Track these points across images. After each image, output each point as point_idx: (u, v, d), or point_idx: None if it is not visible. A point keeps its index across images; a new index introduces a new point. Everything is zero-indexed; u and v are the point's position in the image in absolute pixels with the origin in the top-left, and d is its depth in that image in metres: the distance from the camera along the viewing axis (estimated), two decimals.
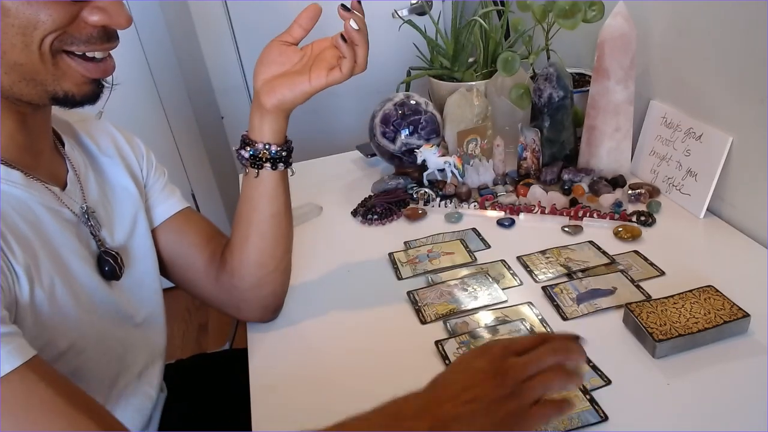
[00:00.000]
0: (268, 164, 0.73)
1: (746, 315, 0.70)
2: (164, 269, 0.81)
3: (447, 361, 0.72)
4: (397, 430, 0.50)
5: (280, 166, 0.74)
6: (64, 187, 0.67)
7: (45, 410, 0.49)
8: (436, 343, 0.75)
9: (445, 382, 0.54)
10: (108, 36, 0.58)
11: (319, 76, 0.68)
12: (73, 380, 0.59)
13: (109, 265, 0.68)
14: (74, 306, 0.62)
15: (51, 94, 0.57)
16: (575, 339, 0.55)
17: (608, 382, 0.65)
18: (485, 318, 0.78)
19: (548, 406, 0.51)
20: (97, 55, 0.58)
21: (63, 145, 0.71)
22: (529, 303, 0.80)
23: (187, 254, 0.81)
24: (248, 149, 0.73)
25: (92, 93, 0.60)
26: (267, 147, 0.72)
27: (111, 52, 0.61)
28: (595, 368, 0.67)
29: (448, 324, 0.78)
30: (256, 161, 0.73)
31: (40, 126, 0.65)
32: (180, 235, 0.81)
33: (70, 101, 0.59)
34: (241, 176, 1.30)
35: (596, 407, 0.62)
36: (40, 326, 0.58)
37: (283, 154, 0.74)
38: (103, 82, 0.61)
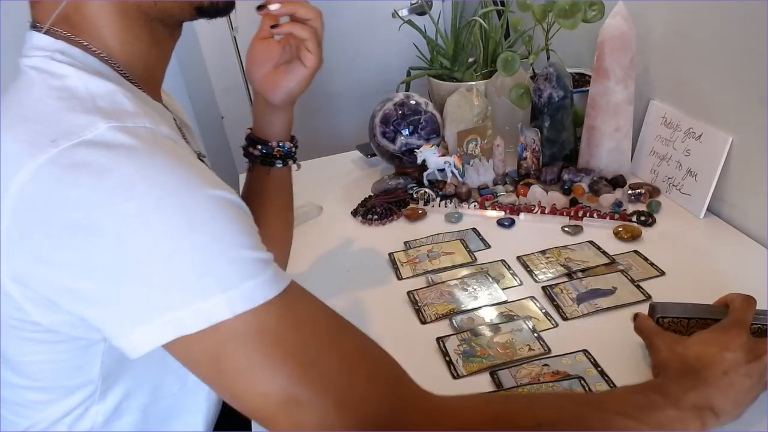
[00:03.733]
0: (279, 161, 0.74)
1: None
2: None
3: (447, 358, 0.72)
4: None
5: (289, 162, 0.76)
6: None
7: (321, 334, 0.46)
8: (438, 339, 0.75)
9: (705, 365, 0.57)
10: None
11: (309, 57, 0.68)
12: None
13: None
14: None
15: (197, 3, 0.56)
16: None
17: (614, 388, 0.65)
18: (489, 314, 0.78)
19: None
20: None
21: None
22: (532, 297, 0.81)
23: None
24: (259, 147, 0.74)
25: (231, 2, 0.59)
26: (280, 144, 0.73)
27: None
28: (602, 373, 0.67)
29: (453, 320, 0.78)
30: (268, 159, 0.74)
31: (166, 58, 0.62)
32: None
33: (213, 10, 0.58)
34: (242, 176, 1.30)
35: None
36: None
37: (293, 150, 0.75)
38: None
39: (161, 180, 0.43)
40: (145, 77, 0.58)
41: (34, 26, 0.52)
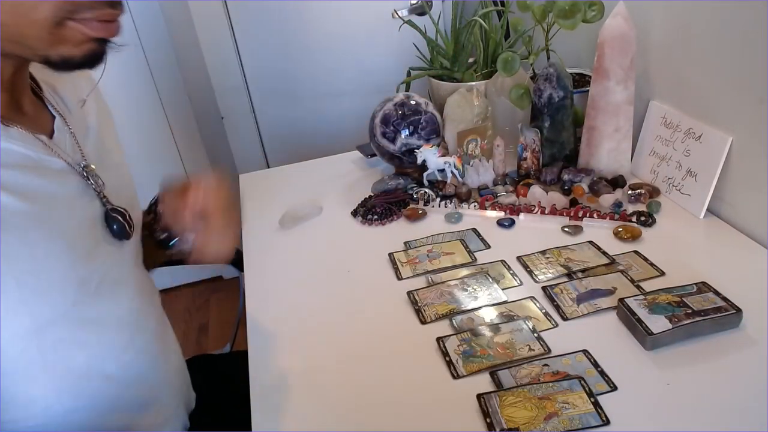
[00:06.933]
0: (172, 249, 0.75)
1: (738, 310, 0.70)
2: None
3: (447, 358, 0.72)
4: None
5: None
6: (51, 135, 0.60)
7: None
8: (438, 339, 0.75)
9: None
10: (112, 3, 0.52)
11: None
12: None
13: (118, 223, 0.62)
14: (70, 273, 0.58)
15: (42, 57, 0.52)
16: None
17: (614, 388, 0.65)
18: (489, 315, 0.78)
19: None
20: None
21: (41, 89, 0.64)
22: (532, 297, 0.81)
23: None
24: (166, 236, 0.73)
25: (94, 52, 0.54)
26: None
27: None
28: (602, 373, 0.67)
29: (453, 321, 0.78)
30: (166, 245, 0.74)
31: (22, 79, 0.59)
32: None
33: (67, 64, 0.53)
34: (242, 176, 1.31)
35: (599, 411, 0.62)
36: None
37: None
38: (109, 42, 0.55)
39: None
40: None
41: None
